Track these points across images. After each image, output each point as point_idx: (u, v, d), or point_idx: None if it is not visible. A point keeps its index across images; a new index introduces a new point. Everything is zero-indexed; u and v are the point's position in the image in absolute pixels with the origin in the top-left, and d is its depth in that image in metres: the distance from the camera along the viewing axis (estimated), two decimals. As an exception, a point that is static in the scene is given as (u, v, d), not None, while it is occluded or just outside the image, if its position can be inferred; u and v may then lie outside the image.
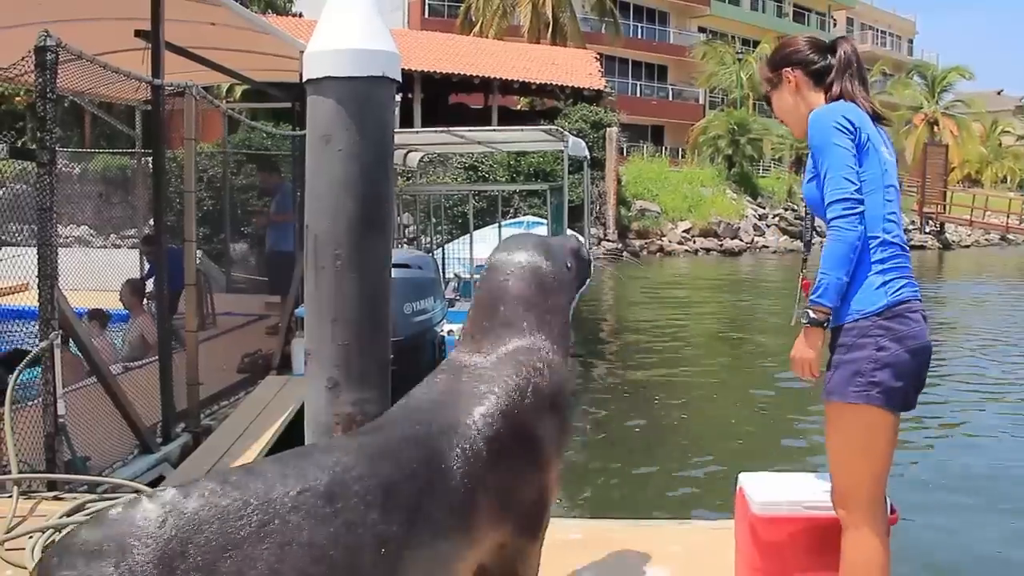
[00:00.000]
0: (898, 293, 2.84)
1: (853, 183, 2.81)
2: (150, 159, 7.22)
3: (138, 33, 5.97)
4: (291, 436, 5.60)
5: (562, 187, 11.18)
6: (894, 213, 2.94)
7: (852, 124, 2.87)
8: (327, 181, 4.20)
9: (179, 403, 6.09)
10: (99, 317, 7.58)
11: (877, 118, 3.02)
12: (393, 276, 7.75)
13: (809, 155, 2.99)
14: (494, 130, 14.14)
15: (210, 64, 7.62)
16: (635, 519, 4.63)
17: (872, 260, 2.87)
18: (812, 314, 2.83)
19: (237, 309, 10.56)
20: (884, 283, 2.85)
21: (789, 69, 3.12)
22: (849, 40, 3.21)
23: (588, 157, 13.88)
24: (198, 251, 14.29)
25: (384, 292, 4.38)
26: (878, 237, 2.88)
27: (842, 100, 2.99)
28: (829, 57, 3.10)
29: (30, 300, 10.59)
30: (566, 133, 10.70)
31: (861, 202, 2.81)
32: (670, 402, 9.94)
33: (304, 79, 4.29)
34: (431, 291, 8.28)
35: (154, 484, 5.05)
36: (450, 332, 9.01)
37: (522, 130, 13.35)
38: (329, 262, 4.20)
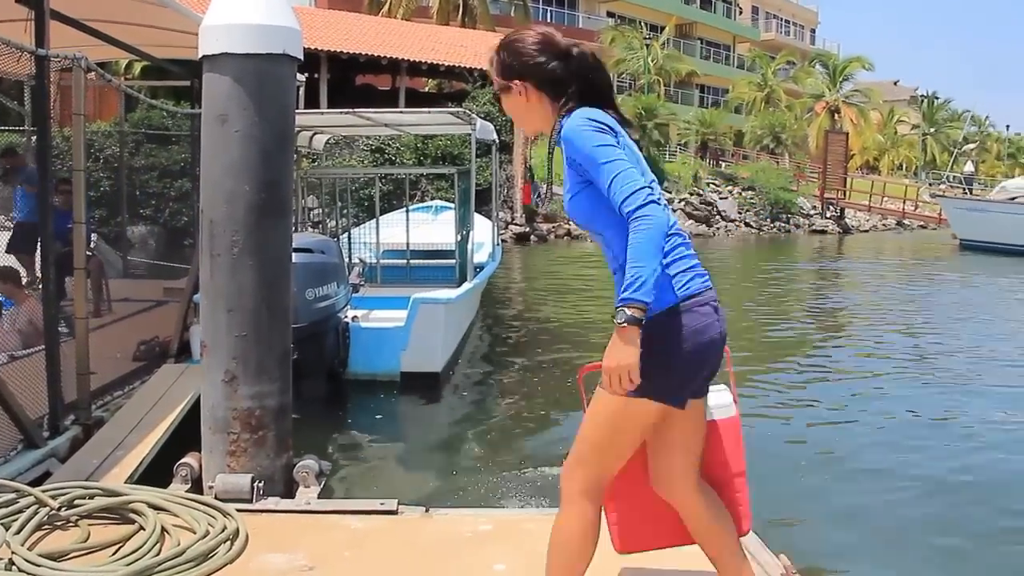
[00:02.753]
0: (686, 287, 2.75)
1: (640, 174, 2.65)
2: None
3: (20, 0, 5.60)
4: (188, 428, 5.37)
5: (469, 171, 11.00)
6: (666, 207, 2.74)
7: (606, 124, 2.74)
8: (223, 164, 4.00)
9: (69, 394, 5.79)
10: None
11: (625, 123, 2.87)
12: (294, 261, 7.60)
13: (566, 171, 2.82)
14: (401, 112, 13.89)
15: (104, 37, 7.26)
16: (547, 508, 4.55)
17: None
18: (629, 312, 2.53)
19: (135, 295, 10.21)
20: (672, 277, 2.73)
21: (519, 81, 2.89)
22: (583, 44, 3.00)
23: (496, 140, 13.73)
24: (93, 235, 13.90)
25: (284, 280, 4.20)
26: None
27: (585, 107, 2.81)
28: (564, 64, 2.88)
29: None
30: (474, 116, 10.55)
31: (654, 190, 2.65)
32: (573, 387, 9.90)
33: (200, 55, 4.08)
34: (334, 276, 8.10)
35: (39, 481, 4.79)
36: (354, 318, 8.83)
37: (429, 112, 13.15)
38: (225, 249, 4.01)
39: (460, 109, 11.78)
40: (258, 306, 4.04)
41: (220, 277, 4.03)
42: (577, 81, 2.86)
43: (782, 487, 6.21)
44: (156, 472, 4.89)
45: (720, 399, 3.08)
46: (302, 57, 4.12)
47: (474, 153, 10.83)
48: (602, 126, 2.71)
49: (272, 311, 4.09)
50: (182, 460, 4.34)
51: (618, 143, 2.70)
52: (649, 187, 2.61)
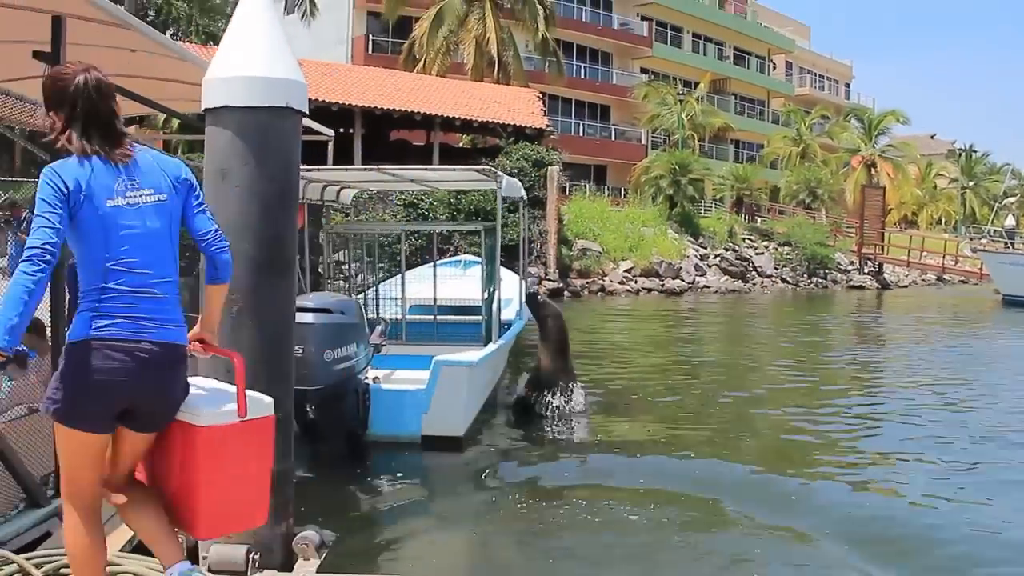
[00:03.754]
0: (100, 330, 3.11)
1: (48, 237, 2.96)
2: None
3: (36, 55, 5.56)
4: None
5: (495, 228, 10.78)
6: (128, 260, 3.15)
7: (63, 181, 3.05)
8: (222, 220, 3.84)
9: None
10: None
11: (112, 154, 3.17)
12: (313, 322, 7.49)
13: None
14: (426, 169, 13.85)
15: (126, 93, 7.23)
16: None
17: (87, 301, 3.15)
18: None
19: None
20: (89, 319, 3.13)
21: (53, 113, 3.21)
22: (84, 72, 3.22)
23: (524, 197, 13.54)
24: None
25: (286, 340, 4.03)
26: (97, 285, 3.14)
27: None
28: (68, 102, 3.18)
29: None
30: (500, 173, 10.37)
31: (50, 253, 2.95)
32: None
33: (202, 108, 3.98)
34: (354, 337, 7.93)
35: (40, 541, 4.65)
36: (376, 379, 8.64)
37: (455, 170, 13.17)
38: (225, 309, 3.86)
39: (486, 167, 11.70)
40: (257, 367, 3.87)
41: (219, 337, 3.86)
42: (69, 123, 3.21)
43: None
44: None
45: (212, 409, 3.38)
46: (307, 110, 4.00)
47: (500, 210, 10.62)
48: (55, 184, 3.05)
49: (272, 372, 3.93)
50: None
51: (66, 201, 3.03)
52: (42, 249, 2.94)
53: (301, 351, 7.56)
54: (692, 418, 11.21)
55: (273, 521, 3.96)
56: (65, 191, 3.04)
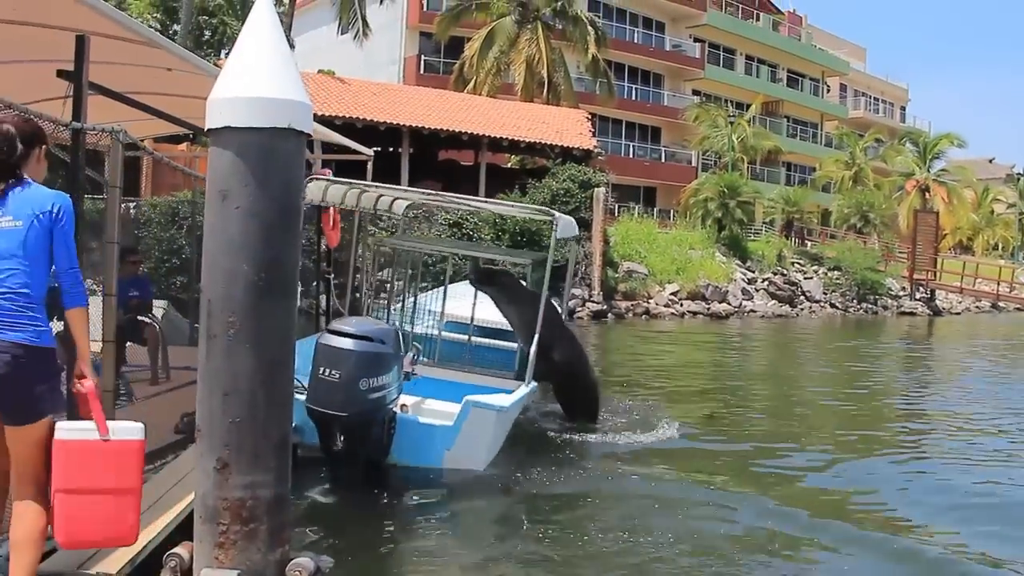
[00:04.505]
0: None
1: None
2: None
3: (60, 73, 5.62)
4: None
5: (545, 260, 10.56)
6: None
7: None
8: (222, 241, 3.84)
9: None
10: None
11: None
12: (353, 348, 7.48)
13: None
14: (486, 201, 13.83)
15: (155, 112, 7.30)
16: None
17: None
18: None
19: (196, 362, 10.16)
20: None
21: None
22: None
23: (579, 235, 13.06)
24: (163, 301, 14.02)
25: (285, 365, 3.98)
26: None
27: None
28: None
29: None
30: (556, 214, 10.15)
31: None
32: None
33: (206, 128, 3.96)
34: (390, 366, 7.90)
35: (44, 557, 4.64)
36: (403, 407, 8.55)
37: (514, 206, 13.21)
38: (221, 330, 3.82)
39: (545, 208, 11.69)
40: (255, 391, 3.84)
41: (216, 359, 3.85)
42: None
43: None
44: (159, 558, 4.71)
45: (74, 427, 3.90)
46: (311, 131, 3.97)
47: (553, 248, 10.40)
48: None
49: (270, 397, 3.89)
50: (173, 550, 4.14)
51: None
52: None
53: (338, 376, 7.56)
54: (731, 447, 10.96)
55: (267, 547, 3.91)
56: None
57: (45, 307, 3.97)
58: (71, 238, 4.01)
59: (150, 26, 34.96)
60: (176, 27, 37.65)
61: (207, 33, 42.27)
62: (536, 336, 9.72)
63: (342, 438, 7.79)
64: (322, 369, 7.52)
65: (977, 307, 45.54)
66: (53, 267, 3.99)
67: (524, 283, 12.31)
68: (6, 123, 4.04)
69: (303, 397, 7.80)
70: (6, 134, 3.97)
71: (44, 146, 4.26)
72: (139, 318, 9.86)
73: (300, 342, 5.86)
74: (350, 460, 8.01)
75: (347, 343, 7.58)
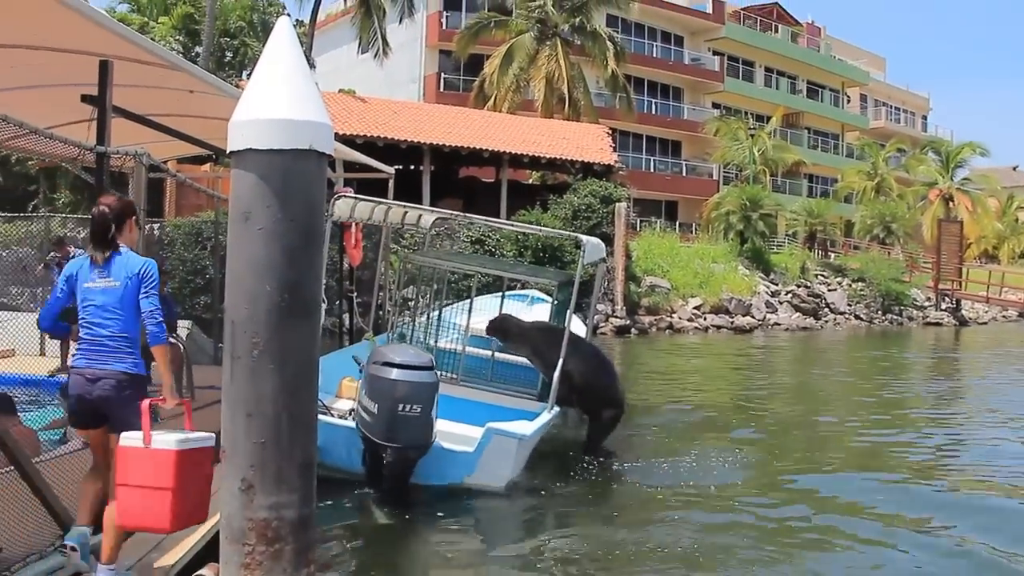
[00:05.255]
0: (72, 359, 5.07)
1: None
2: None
3: (84, 98, 5.69)
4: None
5: (571, 279, 10.48)
6: (88, 319, 4.94)
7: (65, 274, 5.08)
8: (245, 262, 3.86)
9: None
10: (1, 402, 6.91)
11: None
12: (430, 381, 7.58)
13: None
14: (512, 225, 13.87)
15: (176, 134, 7.36)
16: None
17: None
18: None
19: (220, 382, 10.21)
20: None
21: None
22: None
23: (605, 257, 12.94)
24: (187, 321, 14.09)
25: (309, 384, 3.99)
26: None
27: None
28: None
29: (13, 367, 10.38)
30: (583, 238, 10.11)
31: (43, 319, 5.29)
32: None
33: (228, 151, 3.99)
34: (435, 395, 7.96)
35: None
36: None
37: (540, 230, 13.25)
38: (245, 351, 3.84)
39: (574, 234, 11.69)
40: (278, 412, 3.85)
41: (239, 380, 3.87)
42: None
43: None
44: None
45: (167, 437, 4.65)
46: (333, 152, 3.98)
47: (579, 272, 10.31)
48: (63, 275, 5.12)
49: (294, 418, 3.89)
50: (200, 571, 4.16)
51: (66, 286, 5.02)
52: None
53: (419, 410, 7.57)
54: (766, 467, 10.71)
55: (293, 568, 3.91)
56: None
57: (139, 346, 4.96)
58: (154, 292, 4.93)
59: (172, 49, 35.32)
60: (198, 49, 37.97)
61: (228, 54, 42.60)
62: (558, 367, 9.69)
63: (390, 462, 7.81)
64: (402, 406, 7.48)
65: (1004, 316, 45.16)
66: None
67: (546, 299, 12.32)
68: (102, 205, 4.98)
69: (325, 418, 7.82)
70: (102, 218, 4.91)
71: (134, 217, 5.14)
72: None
73: (324, 358, 5.94)
74: (375, 483, 8.00)
75: (424, 376, 7.62)
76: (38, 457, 5.80)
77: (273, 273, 3.82)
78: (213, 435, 4.68)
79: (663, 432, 12.11)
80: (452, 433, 8.81)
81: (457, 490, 8.37)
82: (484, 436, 8.36)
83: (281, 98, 3.87)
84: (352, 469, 8.27)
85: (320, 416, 8.13)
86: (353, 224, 12.23)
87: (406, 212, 12.17)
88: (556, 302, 11.99)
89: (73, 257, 11.29)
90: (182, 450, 4.59)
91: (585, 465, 9.82)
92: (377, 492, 8.07)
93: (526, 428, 8.90)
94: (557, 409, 9.84)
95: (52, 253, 11.24)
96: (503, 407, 10.21)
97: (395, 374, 7.56)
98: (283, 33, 4.05)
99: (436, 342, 11.85)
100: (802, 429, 13.25)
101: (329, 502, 7.47)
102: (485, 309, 12.20)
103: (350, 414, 8.68)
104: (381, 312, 13.38)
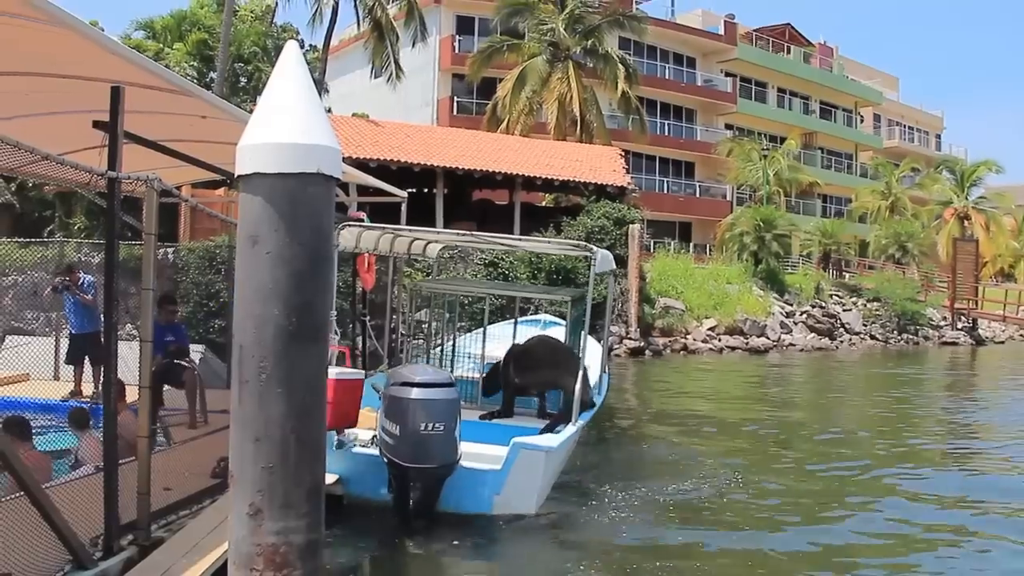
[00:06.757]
0: None
1: None
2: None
3: (96, 124, 5.71)
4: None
5: (584, 296, 10.46)
6: None
7: None
8: (253, 287, 3.85)
9: (129, 514, 5.66)
10: (17, 427, 6.84)
11: None
12: (452, 398, 7.56)
13: None
14: (523, 240, 13.94)
15: (188, 159, 7.39)
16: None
17: None
18: None
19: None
20: None
21: None
22: None
23: (616, 270, 13.02)
24: (200, 345, 14.12)
25: (317, 409, 3.98)
26: None
27: None
28: None
29: (28, 391, 10.45)
30: (594, 248, 10.08)
31: None
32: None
33: (236, 175, 3.99)
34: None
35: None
36: None
37: (550, 242, 13.30)
38: (253, 375, 3.83)
39: (582, 243, 11.68)
40: (286, 436, 3.84)
41: (247, 404, 3.86)
42: None
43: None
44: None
45: None
46: (340, 175, 3.99)
47: (592, 284, 10.26)
48: None
49: (302, 442, 3.89)
50: (209, 598, 4.13)
51: None
52: None
53: (443, 427, 7.49)
54: (790, 490, 10.60)
55: (301, 593, 3.90)
56: None
57: None
58: None
59: (187, 75, 35.55)
60: (213, 74, 38.21)
61: (243, 79, 42.85)
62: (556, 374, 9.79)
63: (416, 484, 7.73)
64: (425, 425, 7.37)
65: (1021, 335, 44.86)
66: None
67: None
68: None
69: (349, 447, 7.78)
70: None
71: None
72: (176, 362, 9.94)
73: None
74: (402, 509, 7.87)
75: (445, 393, 7.54)
76: (49, 482, 5.82)
77: (281, 297, 3.82)
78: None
79: (683, 454, 12.03)
80: (476, 453, 8.62)
81: (480, 516, 8.20)
82: (510, 451, 8.20)
83: (288, 122, 3.88)
84: (378, 498, 8.13)
85: (344, 445, 8.12)
86: (364, 250, 12.28)
87: (412, 241, 12.16)
88: (570, 319, 11.95)
89: (83, 283, 11.40)
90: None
91: (608, 490, 9.65)
92: (404, 519, 7.90)
93: (553, 440, 8.79)
94: (582, 422, 9.77)
95: (61, 277, 11.33)
96: (525, 427, 10.08)
97: (415, 393, 7.46)
98: (291, 57, 4.07)
99: (453, 371, 11.84)
100: (841, 461, 12.93)
101: (349, 530, 7.40)
102: (499, 336, 12.21)
103: (372, 441, 8.57)
104: (394, 336, 13.39)
